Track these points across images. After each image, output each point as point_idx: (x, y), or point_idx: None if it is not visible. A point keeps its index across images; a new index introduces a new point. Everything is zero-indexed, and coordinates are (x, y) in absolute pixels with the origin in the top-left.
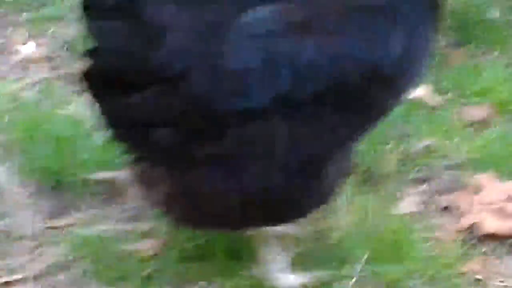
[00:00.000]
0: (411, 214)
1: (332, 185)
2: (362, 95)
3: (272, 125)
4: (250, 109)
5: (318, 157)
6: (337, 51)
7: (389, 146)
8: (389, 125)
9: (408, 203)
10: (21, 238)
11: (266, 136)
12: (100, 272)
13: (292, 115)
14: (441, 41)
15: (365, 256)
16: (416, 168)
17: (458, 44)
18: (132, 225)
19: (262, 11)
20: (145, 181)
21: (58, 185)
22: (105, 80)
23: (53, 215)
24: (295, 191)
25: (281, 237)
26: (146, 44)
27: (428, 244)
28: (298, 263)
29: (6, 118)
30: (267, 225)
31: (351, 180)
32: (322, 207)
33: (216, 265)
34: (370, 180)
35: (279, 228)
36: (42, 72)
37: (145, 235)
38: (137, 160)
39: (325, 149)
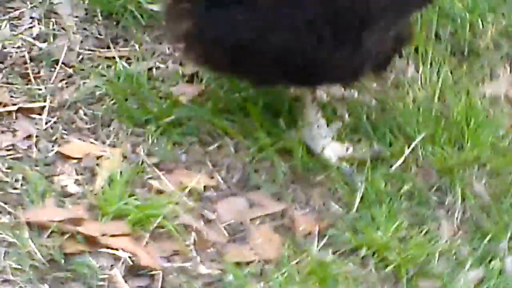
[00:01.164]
0: (494, 97)
1: (372, 53)
2: None
3: None
4: None
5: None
6: None
7: (489, 18)
8: None
9: (495, 84)
10: (59, 63)
11: None
12: (126, 111)
13: None
14: None
15: (422, 135)
16: None
17: None
18: (175, 67)
19: None
20: (172, 15)
21: (109, 14)
22: None
23: (98, 45)
24: (322, 49)
25: (331, 102)
26: None
27: (501, 132)
28: (345, 133)
29: None
30: (298, 83)
31: (436, 50)
32: (369, 74)
33: (250, 122)
34: (460, 53)
35: (332, 91)
36: None
37: (185, 79)
38: None
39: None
